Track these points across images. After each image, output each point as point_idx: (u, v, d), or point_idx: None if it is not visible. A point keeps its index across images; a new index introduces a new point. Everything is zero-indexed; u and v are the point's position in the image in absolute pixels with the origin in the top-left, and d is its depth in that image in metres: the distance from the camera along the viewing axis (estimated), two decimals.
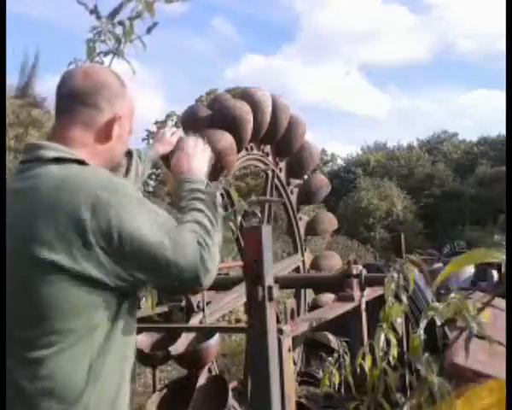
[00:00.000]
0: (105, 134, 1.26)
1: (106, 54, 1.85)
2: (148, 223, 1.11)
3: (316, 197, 3.75)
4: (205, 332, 2.57)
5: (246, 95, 2.92)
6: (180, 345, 2.37)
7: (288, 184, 3.56)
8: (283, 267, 3.57)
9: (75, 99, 1.24)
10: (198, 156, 1.49)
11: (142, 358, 2.42)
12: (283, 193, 3.52)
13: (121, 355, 1.16)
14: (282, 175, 3.47)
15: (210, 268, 1.18)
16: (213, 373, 2.60)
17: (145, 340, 2.43)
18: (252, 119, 2.82)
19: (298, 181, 3.75)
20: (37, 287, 1.05)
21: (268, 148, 3.27)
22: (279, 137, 3.17)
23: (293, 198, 3.63)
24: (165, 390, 2.48)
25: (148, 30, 1.88)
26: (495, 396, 0.53)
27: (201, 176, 1.43)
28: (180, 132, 2.08)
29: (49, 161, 1.15)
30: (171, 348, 2.31)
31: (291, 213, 3.63)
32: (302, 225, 3.79)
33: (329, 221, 3.90)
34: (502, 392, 0.54)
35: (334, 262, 3.90)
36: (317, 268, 3.85)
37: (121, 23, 1.83)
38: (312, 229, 3.84)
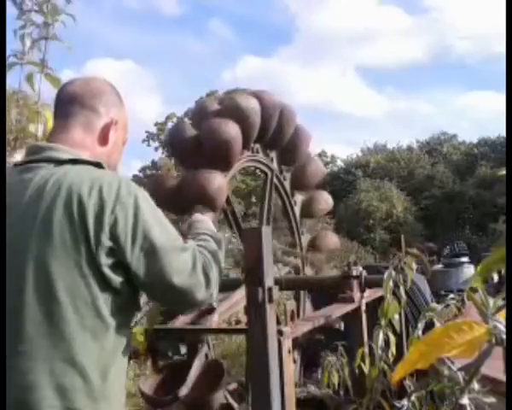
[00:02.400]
0: (102, 137, 1.30)
1: (37, 40, 1.89)
2: (161, 230, 1.18)
3: (310, 182, 3.71)
4: (206, 334, 2.57)
5: (232, 111, 2.84)
6: (187, 386, 2.32)
7: (281, 172, 3.53)
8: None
9: (73, 102, 1.28)
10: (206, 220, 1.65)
11: (148, 402, 2.39)
12: (276, 181, 3.49)
13: (126, 359, 1.22)
14: (274, 164, 3.44)
15: (207, 292, 1.27)
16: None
17: (148, 384, 2.36)
18: (240, 139, 2.81)
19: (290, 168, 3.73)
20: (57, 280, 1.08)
21: (258, 146, 3.27)
22: (270, 134, 3.15)
23: (287, 184, 3.60)
24: (164, 371, 2.46)
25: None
26: (465, 336, 0.55)
27: (212, 227, 1.58)
28: None
29: (63, 162, 1.17)
30: (178, 392, 2.27)
31: (285, 200, 3.60)
32: (297, 208, 3.76)
33: (325, 201, 3.88)
34: (471, 332, 0.56)
35: (330, 241, 3.88)
36: (315, 248, 3.82)
37: (45, 6, 1.87)
38: (308, 211, 3.81)
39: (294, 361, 3.24)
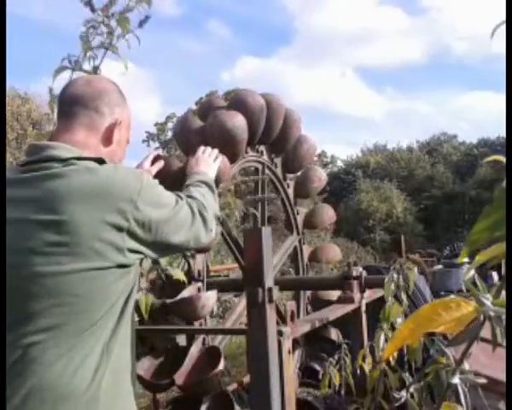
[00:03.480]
0: (106, 137, 1.31)
1: (98, 48, 1.87)
2: (163, 208, 1.26)
3: (301, 163, 3.65)
4: (206, 333, 2.57)
5: (216, 132, 2.74)
6: (184, 371, 2.32)
7: (272, 161, 3.50)
8: (283, 253, 3.54)
9: (76, 103, 1.28)
10: (209, 162, 1.80)
11: (145, 385, 2.39)
12: (268, 171, 3.46)
13: (128, 333, 1.23)
14: (265, 157, 3.41)
15: (208, 233, 1.42)
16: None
17: (146, 367, 2.36)
18: (246, 128, 2.80)
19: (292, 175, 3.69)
20: (70, 276, 1.09)
21: (262, 146, 3.26)
22: (259, 135, 3.11)
23: (279, 171, 3.56)
24: (161, 358, 2.46)
25: (140, 23, 1.89)
26: (453, 314, 0.57)
27: (208, 175, 1.69)
28: (162, 163, 1.92)
29: (66, 160, 1.17)
30: (175, 377, 2.27)
31: (278, 186, 3.57)
32: (300, 219, 3.73)
33: (328, 214, 3.84)
34: (459, 310, 0.59)
35: (332, 254, 3.84)
36: (316, 260, 3.80)
37: (114, 15, 1.85)
38: (311, 222, 3.79)
39: (298, 343, 3.22)
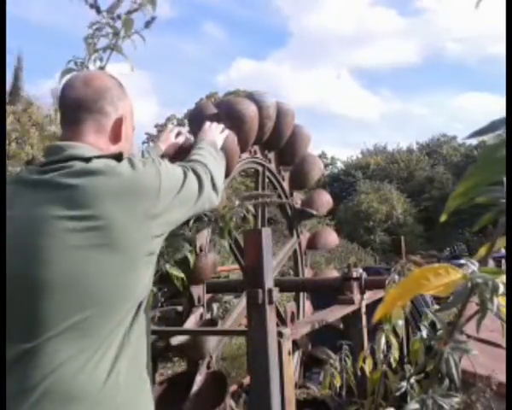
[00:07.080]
0: (114, 136, 1.32)
1: (104, 50, 1.87)
2: (178, 186, 1.32)
3: (308, 181, 3.64)
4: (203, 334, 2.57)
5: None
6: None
7: (279, 172, 3.49)
8: (283, 255, 3.54)
9: (80, 108, 1.27)
10: (215, 132, 1.93)
11: None
12: (274, 180, 3.46)
13: (143, 324, 1.23)
14: (272, 165, 3.41)
15: (216, 196, 1.52)
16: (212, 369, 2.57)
17: None
18: (236, 147, 2.81)
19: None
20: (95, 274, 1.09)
21: (255, 146, 3.25)
22: (254, 137, 3.08)
23: (286, 184, 3.55)
24: (165, 384, 2.46)
25: (147, 24, 1.88)
26: (442, 280, 0.59)
27: (214, 140, 1.80)
28: (186, 134, 2.09)
29: (88, 158, 1.19)
30: (171, 339, 2.29)
31: (284, 199, 3.57)
32: (303, 240, 3.72)
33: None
34: (448, 276, 0.61)
35: (330, 239, 3.81)
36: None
37: (120, 17, 1.84)
38: (313, 244, 3.78)
39: (296, 347, 3.23)
